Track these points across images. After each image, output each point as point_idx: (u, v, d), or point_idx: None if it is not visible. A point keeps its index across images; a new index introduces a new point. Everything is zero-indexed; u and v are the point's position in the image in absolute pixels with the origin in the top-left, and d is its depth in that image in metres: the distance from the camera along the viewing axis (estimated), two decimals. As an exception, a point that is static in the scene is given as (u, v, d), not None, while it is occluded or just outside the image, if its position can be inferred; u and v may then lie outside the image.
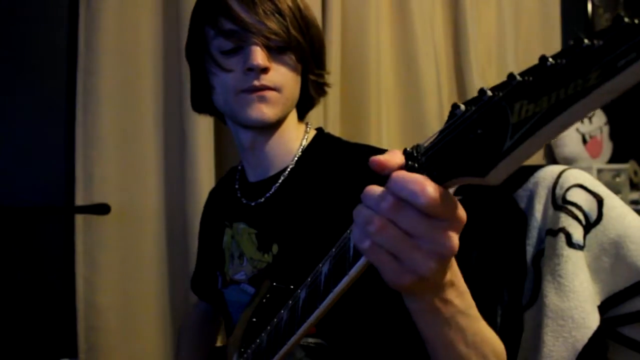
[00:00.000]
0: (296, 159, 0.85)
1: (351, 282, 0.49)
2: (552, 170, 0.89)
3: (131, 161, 1.35)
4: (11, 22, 1.33)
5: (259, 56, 0.75)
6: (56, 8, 1.37)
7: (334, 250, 0.52)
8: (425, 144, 0.41)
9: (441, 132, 0.39)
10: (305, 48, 0.80)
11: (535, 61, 0.33)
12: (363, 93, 1.54)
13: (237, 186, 0.94)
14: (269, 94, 0.78)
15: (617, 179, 1.90)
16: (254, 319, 0.75)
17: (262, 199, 0.86)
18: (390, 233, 0.41)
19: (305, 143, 0.87)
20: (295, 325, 0.56)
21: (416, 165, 0.40)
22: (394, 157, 0.43)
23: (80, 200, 1.29)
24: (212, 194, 1.07)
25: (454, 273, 0.48)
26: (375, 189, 0.43)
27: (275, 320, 0.64)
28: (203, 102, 0.89)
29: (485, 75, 1.80)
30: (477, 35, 1.76)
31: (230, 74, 0.78)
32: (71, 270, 1.29)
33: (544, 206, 0.88)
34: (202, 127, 1.33)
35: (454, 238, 0.41)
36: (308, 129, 0.90)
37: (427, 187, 0.38)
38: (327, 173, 0.80)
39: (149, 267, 1.37)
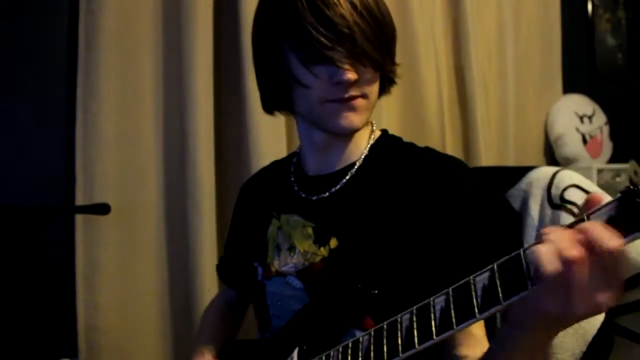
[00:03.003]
0: (363, 156, 0.86)
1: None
2: (546, 171, 0.93)
3: (131, 161, 1.35)
4: (11, 22, 1.34)
5: (349, 71, 0.74)
6: (56, 8, 1.38)
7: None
8: None
9: None
10: (386, 58, 0.82)
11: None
12: (363, 93, 1.54)
13: (292, 179, 0.92)
14: (358, 102, 0.77)
15: (617, 179, 1.90)
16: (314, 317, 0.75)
17: (327, 194, 0.85)
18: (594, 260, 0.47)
19: (371, 141, 0.88)
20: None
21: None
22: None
23: (80, 200, 1.29)
24: (251, 183, 1.04)
25: None
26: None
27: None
28: (278, 104, 0.87)
29: (485, 75, 1.80)
30: (477, 35, 1.76)
31: (315, 84, 0.76)
32: (71, 270, 1.30)
33: (540, 205, 0.91)
34: (202, 127, 1.34)
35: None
36: (374, 127, 0.90)
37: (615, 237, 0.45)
38: (397, 173, 0.81)
39: (149, 267, 1.37)
